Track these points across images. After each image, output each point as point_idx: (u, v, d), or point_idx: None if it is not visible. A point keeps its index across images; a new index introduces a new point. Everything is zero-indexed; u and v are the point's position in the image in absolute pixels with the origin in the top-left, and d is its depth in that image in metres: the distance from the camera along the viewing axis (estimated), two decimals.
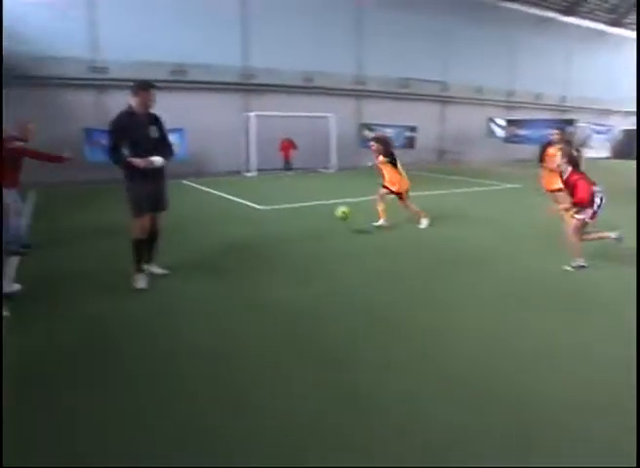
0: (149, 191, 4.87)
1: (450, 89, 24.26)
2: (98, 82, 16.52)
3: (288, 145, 18.06)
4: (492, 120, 24.88)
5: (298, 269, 5.76)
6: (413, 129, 22.81)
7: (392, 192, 7.97)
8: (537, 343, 3.67)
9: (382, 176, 8.05)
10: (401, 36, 21.90)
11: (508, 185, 14.25)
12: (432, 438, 2.55)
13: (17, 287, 4.64)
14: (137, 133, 4.75)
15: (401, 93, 22.75)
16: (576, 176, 5.48)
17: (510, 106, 26.84)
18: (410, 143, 23.03)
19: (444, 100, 24.46)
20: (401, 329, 3.97)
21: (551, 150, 7.26)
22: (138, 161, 4.70)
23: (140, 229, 4.92)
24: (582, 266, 5.51)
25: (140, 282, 4.94)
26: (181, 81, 17.33)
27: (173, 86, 17.07)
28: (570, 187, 5.52)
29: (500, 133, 24.73)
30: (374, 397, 2.93)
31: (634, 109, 24.75)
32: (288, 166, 18.21)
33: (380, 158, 7.83)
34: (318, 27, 19.91)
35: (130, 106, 4.80)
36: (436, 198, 11.69)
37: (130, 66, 16.24)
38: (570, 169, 5.51)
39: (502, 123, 24.57)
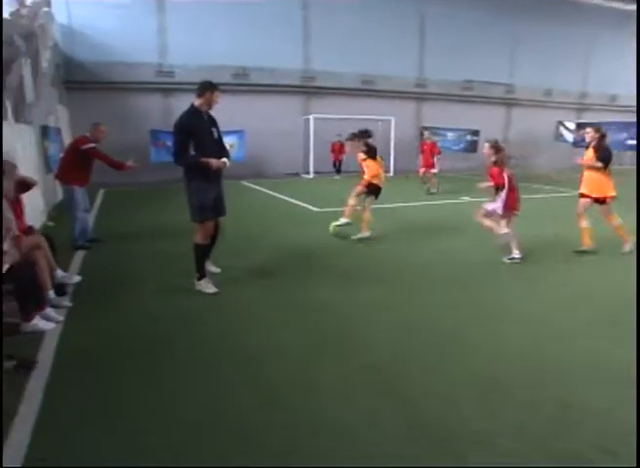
0: (214, 195, 4.70)
1: (516, 91, 23.28)
2: (164, 85, 17.14)
3: (339, 148, 17.91)
4: (561, 123, 23.62)
5: (350, 273, 5.60)
6: (475, 132, 22.07)
7: (371, 190, 7.23)
8: None
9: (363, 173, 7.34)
10: (465, 37, 21.25)
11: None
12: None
13: (77, 278, 4.78)
14: (202, 133, 4.58)
15: (464, 95, 22.09)
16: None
17: (582, 109, 25.38)
18: (472, 147, 22.31)
19: (509, 103, 23.51)
20: (444, 337, 3.73)
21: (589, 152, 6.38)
22: (213, 161, 4.50)
23: (205, 235, 4.72)
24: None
25: (210, 287, 4.76)
26: (243, 84, 17.65)
27: (235, 89, 17.40)
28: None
29: (569, 137, 23.45)
30: (414, 397, 2.74)
31: None
32: (338, 168, 18.12)
33: (361, 155, 7.18)
34: (379, 29, 19.68)
35: (194, 106, 4.61)
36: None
37: (195, 70, 16.68)
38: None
39: (572, 126, 23.27)
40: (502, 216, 5.79)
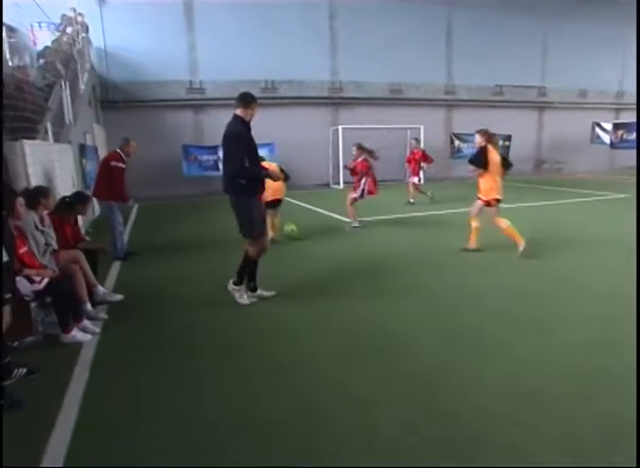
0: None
1: (548, 94, 22.74)
2: (195, 102, 17.55)
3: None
4: (597, 124, 22.93)
5: (387, 283, 5.55)
6: (507, 138, 21.69)
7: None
8: None
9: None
10: (493, 40, 20.93)
11: (615, 195, 12.98)
12: None
13: (119, 297, 4.90)
14: (252, 144, 4.50)
15: (494, 100, 21.73)
16: None
17: (620, 108, 24.55)
18: (503, 153, 21.91)
19: (542, 106, 22.98)
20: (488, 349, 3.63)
21: None
22: (278, 173, 4.86)
23: (260, 250, 4.69)
24: None
25: (244, 298, 4.78)
26: (272, 97, 17.87)
27: (264, 102, 17.57)
28: None
29: (606, 138, 22.74)
30: (450, 406, 2.67)
31: None
32: None
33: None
34: (406, 37, 19.61)
35: (240, 117, 4.44)
36: (528, 210, 10.88)
37: (224, 85, 17.07)
38: None
39: (609, 127, 22.55)
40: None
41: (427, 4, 19.76)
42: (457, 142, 21.46)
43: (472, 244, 6.76)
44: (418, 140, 13.40)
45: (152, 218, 11.35)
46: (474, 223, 6.73)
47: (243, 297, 4.79)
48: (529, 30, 21.66)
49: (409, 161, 13.20)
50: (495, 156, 6.46)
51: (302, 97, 18.43)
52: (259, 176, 4.56)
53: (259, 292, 4.92)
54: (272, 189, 6.99)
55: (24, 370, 3.34)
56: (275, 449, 2.49)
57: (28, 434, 2.68)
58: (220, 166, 4.74)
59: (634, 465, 2.23)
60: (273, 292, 4.97)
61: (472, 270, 5.88)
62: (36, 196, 4.25)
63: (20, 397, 3.01)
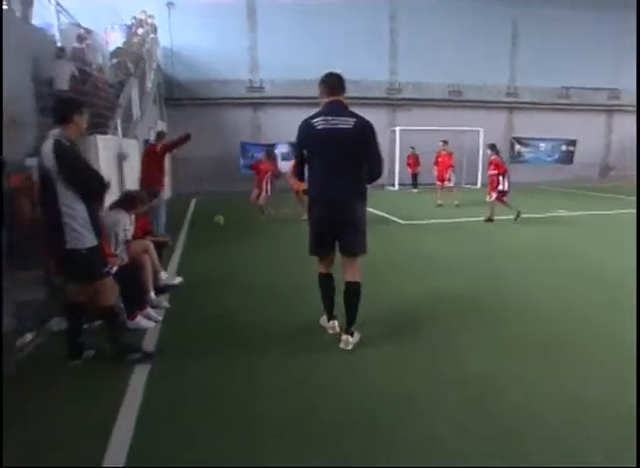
0: None
1: (620, 96, 21.53)
2: (254, 100, 17.91)
3: (414, 161, 17.44)
4: None
5: (441, 285, 5.44)
6: (571, 142, 20.82)
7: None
8: None
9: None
10: (561, 40, 20.03)
11: None
12: None
13: (179, 279, 5.07)
14: None
15: (559, 103, 20.84)
16: None
17: None
18: (567, 158, 21.07)
19: (611, 110, 21.83)
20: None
21: None
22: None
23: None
24: None
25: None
26: None
27: (319, 102, 17.77)
28: None
29: None
30: (501, 410, 2.59)
31: None
32: (414, 182, 17.52)
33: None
34: (468, 37, 19.19)
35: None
36: (585, 218, 10.37)
37: (283, 84, 17.35)
38: None
39: None
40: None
41: (492, 4, 19.22)
42: (517, 146, 20.82)
43: None
44: (445, 142, 12.95)
45: (209, 211, 11.62)
46: None
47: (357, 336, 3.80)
48: (600, 28, 20.52)
49: (438, 164, 12.89)
50: None
51: (360, 98, 18.36)
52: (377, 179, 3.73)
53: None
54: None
55: (93, 351, 3.54)
56: (332, 451, 2.51)
57: (97, 416, 2.82)
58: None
59: (634, 465, 2.23)
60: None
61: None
62: (134, 202, 4.59)
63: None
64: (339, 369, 3.38)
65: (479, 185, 18.38)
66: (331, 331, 3.91)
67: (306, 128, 3.63)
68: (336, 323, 3.93)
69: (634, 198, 13.58)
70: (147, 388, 3.12)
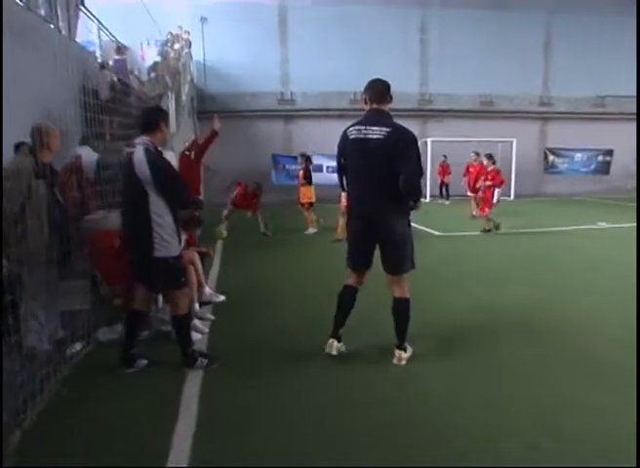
0: None
1: None
2: (286, 112, 18.04)
3: (444, 170, 17.13)
4: None
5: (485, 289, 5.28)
6: (608, 152, 20.26)
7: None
8: None
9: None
10: (597, 47, 19.53)
11: None
12: None
13: (222, 297, 5.07)
14: None
15: (595, 113, 20.33)
16: None
17: None
18: (604, 169, 20.49)
19: None
20: None
21: None
22: None
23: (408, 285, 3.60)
24: None
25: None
26: (362, 109, 17.88)
27: (352, 114, 17.71)
28: None
29: None
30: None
31: None
32: (446, 193, 17.18)
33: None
34: (499, 46, 18.89)
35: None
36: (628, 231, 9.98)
37: (314, 97, 17.45)
38: None
39: None
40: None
41: (525, 11, 18.95)
42: (551, 157, 20.38)
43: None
44: (477, 154, 12.71)
45: (245, 222, 11.68)
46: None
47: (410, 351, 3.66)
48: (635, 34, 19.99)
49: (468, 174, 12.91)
50: None
51: (391, 109, 18.29)
52: (420, 195, 3.53)
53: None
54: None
55: (145, 361, 3.53)
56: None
57: (155, 425, 2.80)
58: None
59: (634, 465, 2.20)
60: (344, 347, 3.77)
61: None
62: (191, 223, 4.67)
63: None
64: (387, 384, 3.28)
65: (512, 197, 18.04)
66: (327, 350, 3.62)
67: (343, 137, 3.56)
68: (335, 343, 3.63)
69: None
70: (202, 398, 3.10)
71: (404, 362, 3.55)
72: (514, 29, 19.05)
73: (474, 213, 12.19)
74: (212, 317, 4.59)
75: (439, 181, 17.17)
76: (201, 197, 7.99)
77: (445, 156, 16.86)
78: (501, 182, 9.77)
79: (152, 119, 3.42)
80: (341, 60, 17.68)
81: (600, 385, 3.23)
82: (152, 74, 10.09)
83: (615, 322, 4.47)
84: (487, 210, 9.65)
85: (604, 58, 19.67)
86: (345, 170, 3.63)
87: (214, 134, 7.20)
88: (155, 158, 3.23)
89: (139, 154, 3.19)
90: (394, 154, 3.27)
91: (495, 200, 9.74)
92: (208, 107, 17.83)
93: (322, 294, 4.57)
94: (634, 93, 20.35)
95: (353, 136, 3.41)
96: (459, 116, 19.08)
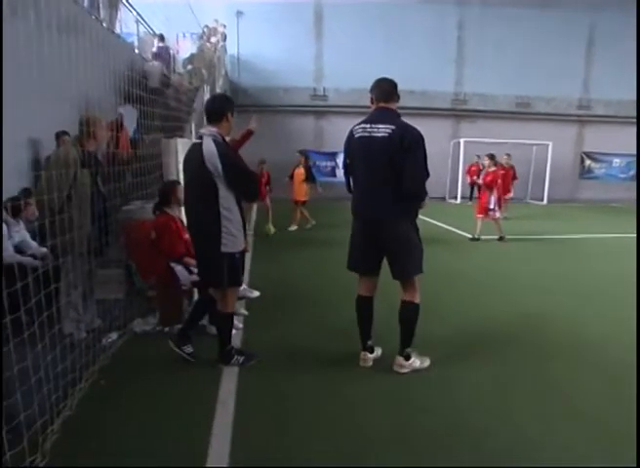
0: None
1: None
2: (318, 108, 17.98)
3: (475, 170, 16.70)
4: None
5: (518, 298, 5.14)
6: None
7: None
8: None
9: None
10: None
11: None
12: None
13: (256, 293, 5.04)
14: None
15: (635, 117, 19.64)
16: None
17: None
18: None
19: None
20: None
21: None
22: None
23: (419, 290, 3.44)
24: None
25: (425, 359, 3.55)
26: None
27: None
28: None
29: None
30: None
31: None
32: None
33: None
34: (539, 46, 18.41)
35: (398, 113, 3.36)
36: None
37: (347, 93, 17.30)
38: None
39: None
40: None
41: (567, 10, 18.38)
42: (587, 162, 19.87)
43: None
44: (509, 156, 12.49)
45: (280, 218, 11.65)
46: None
47: (424, 361, 3.53)
48: None
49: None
50: None
51: (424, 108, 18.08)
52: (423, 197, 3.38)
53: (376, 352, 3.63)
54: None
55: (190, 349, 3.58)
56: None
57: (191, 424, 2.77)
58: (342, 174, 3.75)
59: (634, 465, 2.20)
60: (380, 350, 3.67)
61: None
62: None
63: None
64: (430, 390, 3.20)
65: (545, 201, 17.64)
66: (361, 364, 3.51)
67: (349, 136, 3.43)
68: (367, 355, 3.52)
69: None
70: (238, 396, 3.07)
71: (406, 370, 3.38)
72: (555, 29, 18.52)
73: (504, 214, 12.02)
74: (245, 312, 4.56)
75: (469, 182, 16.83)
76: None
77: (478, 156, 16.50)
78: (490, 182, 8.87)
79: (219, 108, 3.28)
80: (376, 57, 17.49)
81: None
82: (189, 66, 10.15)
83: None
84: (497, 211, 8.96)
85: None
86: (352, 170, 3.49)
87: (249, 133, 7.11)
88: (226, 150, 3.14)
89: (209, 146, 3.09)
90: (399, 153, 3.14)
91: (491, 205, 8.87)
92: (241, 101, 17.88)
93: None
94: None
95: (359, 135, 3.30)
96: (493, 117, 18.71)
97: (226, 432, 2.66)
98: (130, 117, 5.80)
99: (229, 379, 3.29)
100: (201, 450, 2.49)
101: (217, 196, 3.11)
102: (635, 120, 19.56)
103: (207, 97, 10.47)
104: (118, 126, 5.08)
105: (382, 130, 3.19)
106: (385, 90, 3.36)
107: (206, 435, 2.62)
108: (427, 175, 3.23)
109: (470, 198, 16.76)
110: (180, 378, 3.31)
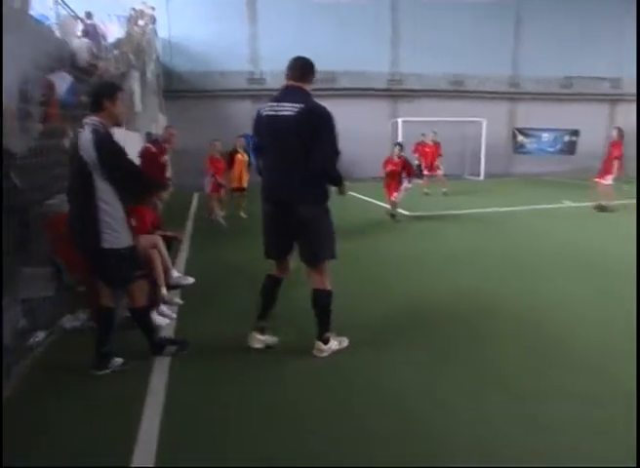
0: None
1: (623, 85, 21.24)
2: (254, 92, 17.69)
3: (422, 150, 16.98)
4: None
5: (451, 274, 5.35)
6: (574, 133, 20.67)
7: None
8: None
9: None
10: (566, 28, 19.65)
11: None
12: None
13: (191, 280, 4.97)
14: None
15: (562, 93, 20.63)
16: None
17: None
18: (570, 149, 20.91)
19: (613, 100, 21.58)
20: None
21: None
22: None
23: (328, 275, 3.42)
24: None
25: (343, 339, 3.56)
26: (331, 88, 17.77)
27: (323, 93, 17.53)
28: None
29: None
30: None
31: None
32: (420, 173, 17.08)
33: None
34: (470, 26, 18.88)
35: (309, 92, 3.27)
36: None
37: (284, 76, 17.09)
38: None
39: None
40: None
41: None
42: (520, 137, 20.70)
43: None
44: (424, 134, 13.82)
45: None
46: None
47: (342, 341, 3.54)
48: (603, 16, 20.18)
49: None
50: None
51: (362, 89, 18.22)
52: (338, 181, 3.30)
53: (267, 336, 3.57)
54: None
55: (120, 360, 3.33)
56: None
57: (118, 421, 2.73)
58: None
59: (634, 465, 2.19)
60: (276, 340, 3.60)
61: None
62: None
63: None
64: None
65: (482, 177, 18.30)
66: (249, 343, 3.47)
67: (257, 115, 3.32)
68: (256, 335, 3.47)
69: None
70: (169, 388, 3.02)
71: (324, 354, 3.38)
72: (484, 10, 19.02)
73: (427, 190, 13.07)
74: (180, 301, 4.51)
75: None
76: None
77: (424, 134, 16.81)
78: (392, 172, 9.21)
79: (94, 95, 3.12)
80: (312, 39, 17.34)
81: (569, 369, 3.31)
82: (115, 52, 9.69)
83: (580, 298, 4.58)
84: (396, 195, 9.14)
85: (572, 39, 19.90)
86: (261, 151, 3.38)
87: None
88: (103, 139, 2.97)
89: (86, 135, 2.94)
90: (306, 132, 3.05)
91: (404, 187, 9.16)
92: (176, 86, 17.38)
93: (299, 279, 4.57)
94: (601, 74, 20.80)
95: (266, 114, 3.21)
96: (429, 96, 19.07)
97: (154, 430, 2.58)
98: (62, 84, 5.36)
99: (161, 370, 3.25)
100: (126, 450, 2.41)
101: (93, 188, 2.93)
102: (560, 96, 20.60)
103: (136, 83, 10.10)
104: (49, 98, 4.72)
105: (289, 108, 3.10)
106: (298, 68, 3.28)
107: (133, 433, 2.55)
108: (336, 153, 3.17)
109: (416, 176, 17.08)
110: (109, 375, 3.22)
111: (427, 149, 13.38)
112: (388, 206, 9.35)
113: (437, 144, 13.45)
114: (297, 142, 3.09)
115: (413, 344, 3.63)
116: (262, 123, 3.24)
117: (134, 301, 3.32)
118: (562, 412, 2.69)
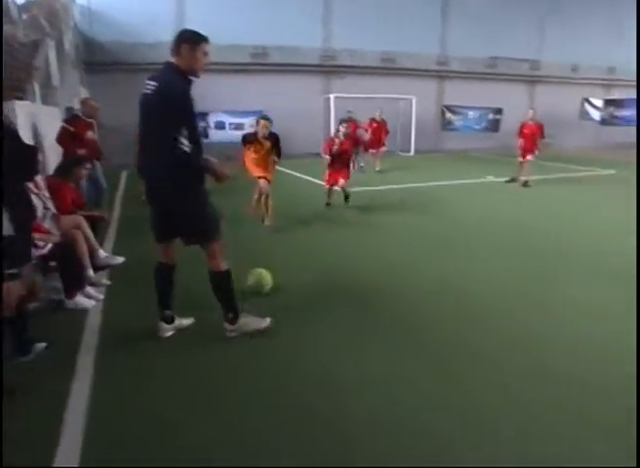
0: None
1: (541, 68, 22.48)
2: None
3: (353, 127, 17.16)
4: (587, 100, 22.94)
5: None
6: (498, 111, 21.62)
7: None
8: None
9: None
10: (491, 10, 20.46)
11: (603, 172, 13.16)
12: None
13: (120, 259, 4.82)
14: (194, 112, 3.09)
15: (487, 73, 21.46)
16: None
17: (610, 85, 24.30)
18: (494, 127, 21.88)
19: (533, 80, 22.76)
20: None
21: None
22: (225, 170, 3.19)
23: (224, 254, 3.32)
24: None
25: (259, 320, 3.47)
26: (262, 64, 17.45)
27: (253, 68, 17.31)
28: None
29: (595, 114, 22.82)
30: None
31: None
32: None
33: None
34: (401, 4, 19.15)
35: (181, 70, 3.06)
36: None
37: (214, 49, 16.12)
38: None
39: (599, 103, 22.60)
40: None
41: None
42: (448, 114, 21.35)
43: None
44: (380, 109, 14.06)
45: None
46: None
47: (256, 322, 3.45)
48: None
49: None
50: None
51: (294, 65, 17.99)
52: (200, 166, 3.11)
53: (177, 321, 3.49)
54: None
55: (43, 344, 3.15)
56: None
57: (39, 415, 2.64)
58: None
59: (634, 465, 2.18)
60: (191, 320, 3.58)
61: None
62: None
63: None
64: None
65: (412, 153, 18.80)
66: (159, 334, 3.35)
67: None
68: (164, 325, 3.37)
69: (553, 164, 14.41)
70: (97, 372, 2.94)
71: (234, 334, 3.34)
72: None
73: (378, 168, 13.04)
74: (107, 282, 4.37)
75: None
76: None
77: (350, 111, 16.94)
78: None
79: None
80: (242, 12, 16.92)
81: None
82: (24, 16, 8.95)
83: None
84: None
85: (498, 20, 20.71)
86: None
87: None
88: None
89: None
90: (162, 113, 2.92)
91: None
92: (99, 58, 16.32)
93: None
94: (524, 56, 21.80)
95: (142, 92, 3.08)
96: (361, 72, 19.17)
97: (78, 427, 2.44)
98: None
99: (86, 354, 3.15)
100: (47, 448, 2.27)
101: None
102: (486, 76, 21.43)
103: (52, 53, 9.40)
104: None
105: (150, 87, 2.99)
106: (173, 43, 3.10)
107: (56, 428, 2.42)
108: (198, 134, 3.05)
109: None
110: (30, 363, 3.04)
111: (375, 125, 13.64)
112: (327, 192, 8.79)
113: (384, 121, 13.84)
114: (155, 123, 2.98)
115: (338, 319, 3.73)
116: (140, 102, 3.12)
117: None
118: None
